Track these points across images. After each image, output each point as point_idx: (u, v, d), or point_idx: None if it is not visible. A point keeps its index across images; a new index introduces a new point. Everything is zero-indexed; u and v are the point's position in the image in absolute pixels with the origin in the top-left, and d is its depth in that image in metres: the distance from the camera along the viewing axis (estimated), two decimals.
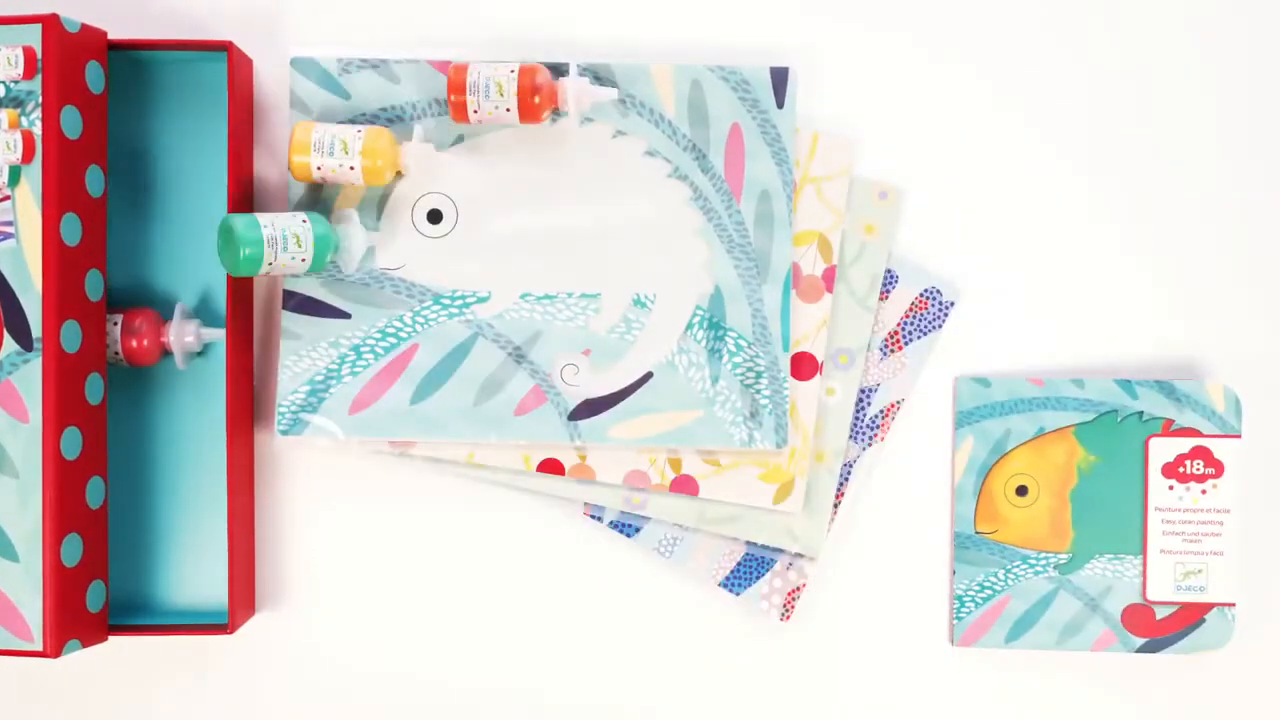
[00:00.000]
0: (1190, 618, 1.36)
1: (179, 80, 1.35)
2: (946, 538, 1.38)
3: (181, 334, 1.31)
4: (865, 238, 1.37)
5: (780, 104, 1.34)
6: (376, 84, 1.34)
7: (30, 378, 1.23)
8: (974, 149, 1.38)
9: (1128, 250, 1.38)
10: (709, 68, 1.34)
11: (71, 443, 1.25)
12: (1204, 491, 1.35)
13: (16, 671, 1.38)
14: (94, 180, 1.27)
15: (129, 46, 1.30)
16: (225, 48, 1.30)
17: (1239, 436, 1.35)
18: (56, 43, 1.22)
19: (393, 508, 1.37)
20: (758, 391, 1.33)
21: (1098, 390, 1.36)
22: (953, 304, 1.37)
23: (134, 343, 1.30)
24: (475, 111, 1.30)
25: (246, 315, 1.34)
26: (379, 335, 1.33)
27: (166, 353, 1.32)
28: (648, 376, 1.34)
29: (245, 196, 1.34)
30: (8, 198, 1.23)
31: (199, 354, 1.34)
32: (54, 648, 1.24)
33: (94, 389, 1.27)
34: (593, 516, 1.37)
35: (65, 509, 1.24)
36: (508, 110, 1.30)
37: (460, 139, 1.34)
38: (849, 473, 1.37)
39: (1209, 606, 1.35)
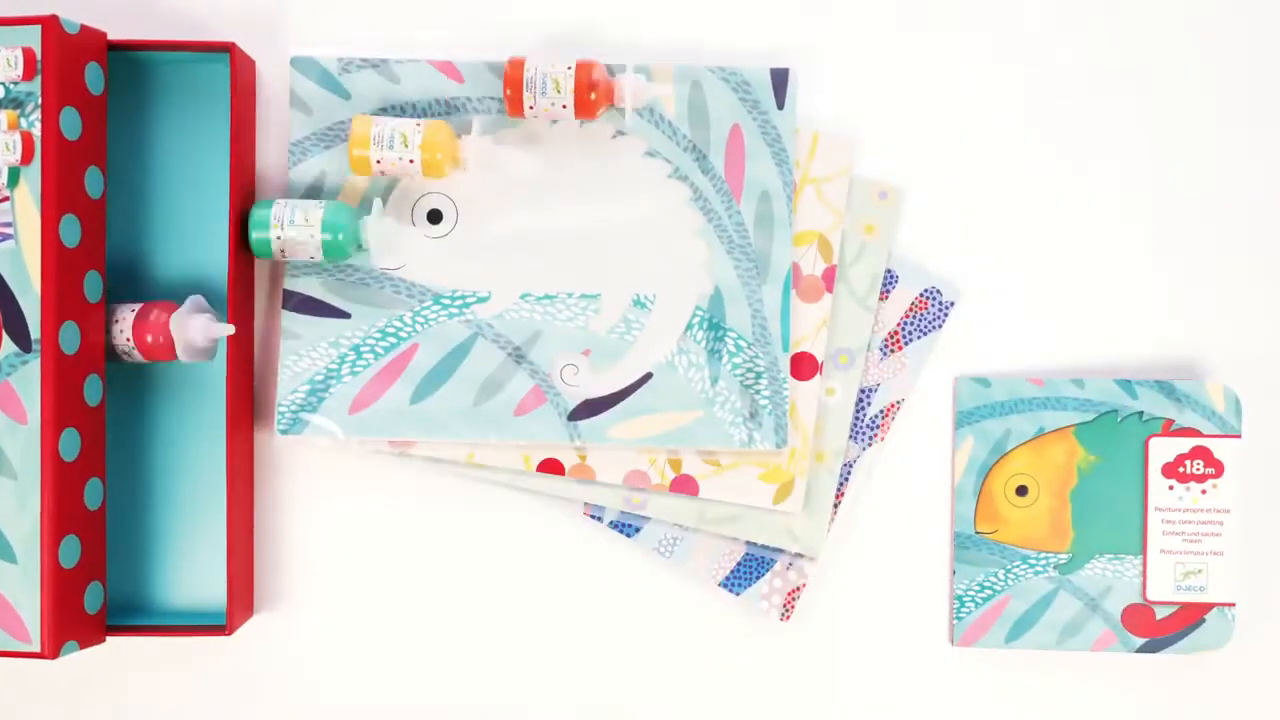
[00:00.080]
0: (1190, 618, 1.36)
1: (179, 81, 1.34)
2: (946, 538, 1.38)
3: (187, 326, 1.30)
4: (865, 238, 1.36)
5: (780, 105, 1.34)
6: (377, 84, 1.34)
7: (29, 379, 1.23)
8: (974, 149, 1.38)
9: (1127, 250, 1.38)
10: (709, 69, 1.34)
11: (70, 444, 1.24)
12: (1204, 491, 1.35)
13: (14, 672, 1.38)
14: (93, 181, 1.27)
15: (129, 47, 1.30)
16: (228, 49, 1.30)
17: (1239, 436, 1.35)
18: (56, 44, 1.22)
19: (392, 508, 1.37)
20: (757, 392, 1.33)
21: (1098, 390, 1.36)
22: (953, 304, 1.37)
23: (149, 338, 1.29)
24: (531, 107, 1.31)
25: (247, 315, 1.34)
26: (379, 335, 1.33)
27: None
28: (647, 377, 1.33)
29: (246, 198, 1.34)
30: (7, 199, 1.22)
31: (203, 348, 1.34)
32: (52, 649, 1.24)
33: (92, 390, 1.27)
34: (593, 516, 1.37)
35: (63, 510, 1.24)
36: (564, 107, 1.30)
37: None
38: (849, 473, 1.37)
39: (1209, 606, 1.35)
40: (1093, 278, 1.38)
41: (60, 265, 1.23)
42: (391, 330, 1.33)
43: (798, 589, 1.36)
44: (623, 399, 1.33)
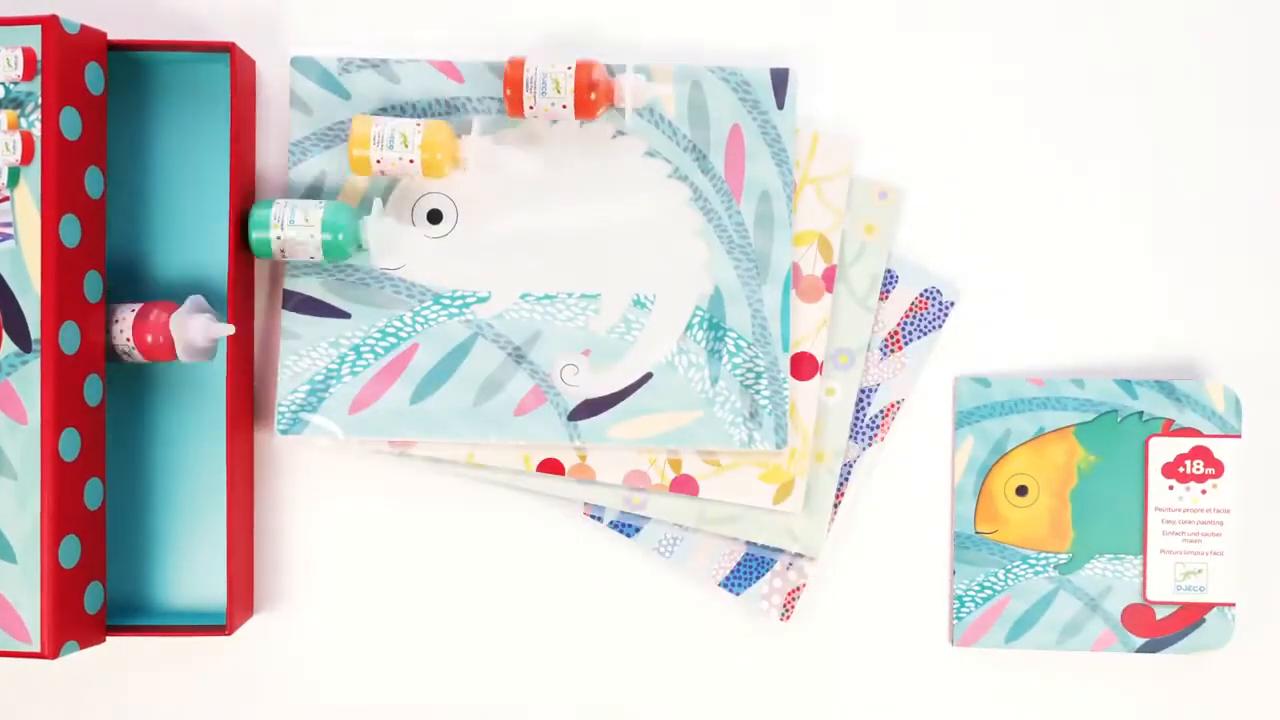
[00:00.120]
0: (1190, 618, 1.36)
1: (179, 81, 1.34)
2: (946, 538, 1.38)
3: (187, 326, 1.30)
4: (865, 238, 1.36)
5: (780, 105, 1.34)
6: (377, 84, 1.34)
7: (29, 379, 1.23)
8: (974, 149, 1.38)
9: (1127, 250, 1.38)
10: (709, 69, 1.34)
11: (70, 444, 1.24)
12: (1204, 491, 1.35)
13: (14, 672, 1.38)
14: (93, 181, 1.27)
15: (129, 47, 1.30)
16: (228, 49, 1.30)
17: (1239, 436, 1.35)
18: (56, 44, 1.22)
19: (392, 508, 1.37)
20: (757, 392, 1.33)
21: (1098, 390, 1.36)
22: (953, 304, 1.37)
23: (149, 337, 1.29)
24: (531, 107, 1.31)
25: (247, 315, 1.34)
26: (379, 335, 1.33)
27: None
28: (647, 377, 1.33)
29: (247, 197, 1.34)
30: (7, 199, 1.22)
31: (203, 348, 1.34)
32: (52, 649, 1.24)
33: (92, 390, 1.27)
34: (593, 516, 1.37)
35: (63, 510, 1.24)
36: (564, 106, 1.31)
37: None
38: (849, 473, 1.37)
39: (1209, 606, 1.35)
40: (1093, 278, 1.38)
41: (60, 265, 1.23)
42: (391, 330, 1.33)
43: (798, 589, 1.36)
44: (623, 399, 1.33)
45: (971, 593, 1.36)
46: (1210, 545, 1.35)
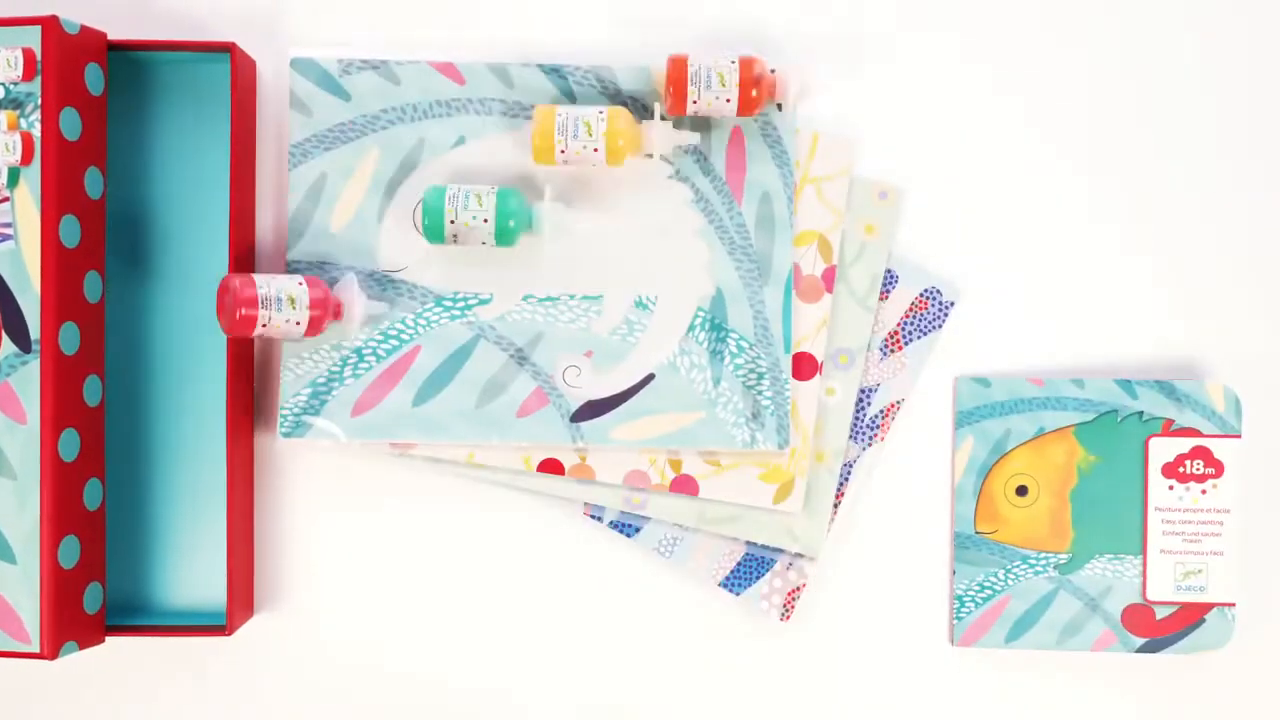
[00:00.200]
0: (1190, 618, 1.36)
1: (179, 81, 1.34)
2: (946, 538, 1.38)
3: (355, 302, 1.31)
4: (865, 238, 1.36)
5: (780, 106, 1.34)
6: (377, 84, 1.34)
7: (28, 379, 1.23)
8: (974, 149, 1.38)
9: (1128, 250, 1.38)
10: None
11: (69, 444, 1.24)
12: (1204, 491, 1.35)
13: (14, 673, 1.38)
14: (93, 182, 1.27)
15: (129, 47, 1.30)
16: (228, 49, 1.30)
17: (1239, 436, 1.35)
18: (56, 44, 1.22)
19: (392, 508, 1.37)
20: (759, 393, 1.33)
21: (1098, 390, 1.36)
22: (953, 304, 1.37)
23: (318, 311, 1.29)
24: (695, 101, 1.31)
25: None
26: (381, 337, 1.33)
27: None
28: (649, 378, 1.33)
29: (247, 198, 1.33)
30: (6, 199, 1.22)
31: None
32: (51, 649, 1.24)
33: (92, 390, 1.27)
34: (593, 516, 1.37)
35: (63, 510, 1.24)
36: (727, 101, 1.30)
37: (462, 140, 1.34)
38: (849, 473, 1.37)
39: (1209, 606, 1.36)
40: (1093, 278, 1.38)
41: (60, 265, 1.23)
42: (394, 333, 1.33)
43: (798, 589, 1.36)
44: (625, 400, 1.33)
45: (971, 593, 1.37)
46: (1210, 545, 1.35)
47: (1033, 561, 1.36)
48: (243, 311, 1.26)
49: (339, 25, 1.36)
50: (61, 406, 1.24)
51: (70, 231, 1.24)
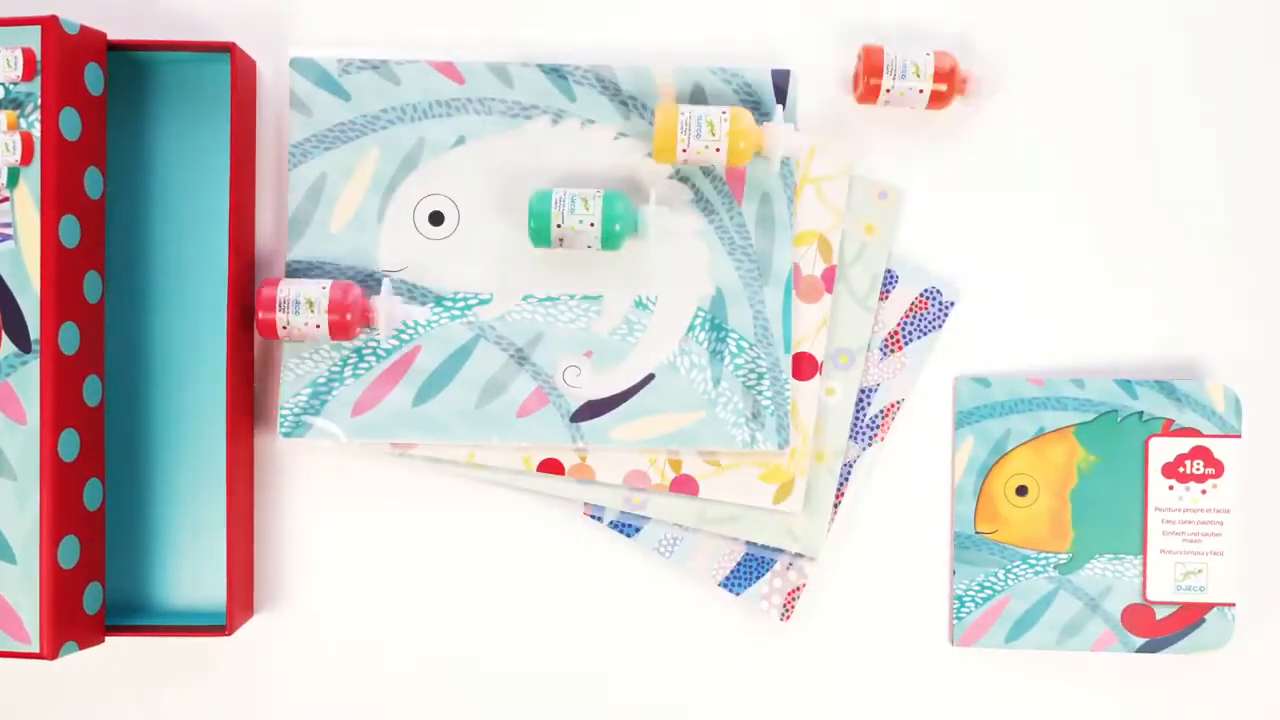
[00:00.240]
0: (1190, 618, 1.36)
1: (179, 81, 1.34)
2: (946, 538, 1.38)
3: (391, 307, 1.31)
4: (865, 238, 1.36)
5: (782, 106, 1.34)
6: (376, 84, 1.34)
7: (28, 379, 1.23)
8: (974, 149, 1.37)
9: (1128, 250, 1.38)
10: (711, 70, 1.34)
11: (69, 444, 1.24)
12: (1204, 491, 1.35)
13: (13, 673, 1.38)
14: (93, 182, 1.26)
15: (129, 47, 1.30)
16: (228, 49, 1.30)
17: (1239, 436, 1.36)
18: (56, 44, 1.22)
19: (391, 508, 1.37)
20: (759, 393, 1.33)
21: (1098, 390, 1.36)
22: (953, 304, 1.37)
23: (348, 315, 1.29)
24: (888, 90, 1.31)
25: (247, 316, 1.33)
26: (381, 337, 1.33)
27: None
28: (649, 378, 1.33)
29: (247, 198, 1.33)
30: (6, 199, 1.22)
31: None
32: (51, 649, 1.24)
33: (92, 391, 1.27)
34: (593, 516, 1.37)
35: (63, 511, 1.24)
36: (920, 92, 1.32)
37: (462, 140, 1.34)
38: (849, 473, 1.37)
39: (1209, 606, 1.36)
40: (1093, 278, 1.38)
41: (60, 265, 1.23)
42: (394, 332, 1.33)
43: (798, 589, 1.36)
44: (625, 400, 1.33)
45: (971, 593, 1.37)
46: (1210, 545, 1.35)
47: (1033, 561, 1.36)
48: (261, 315, 1.28)
49: (339, 25, 1.36)
50: (61, 406, 1.24)
51: (70, 231, 1.24)
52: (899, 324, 1.37)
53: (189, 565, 1.35)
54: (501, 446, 1.34)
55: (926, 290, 1.37)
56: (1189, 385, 1.36)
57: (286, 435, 1.33)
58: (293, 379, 1.33)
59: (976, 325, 1.38)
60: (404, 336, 1.33)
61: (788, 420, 1.33)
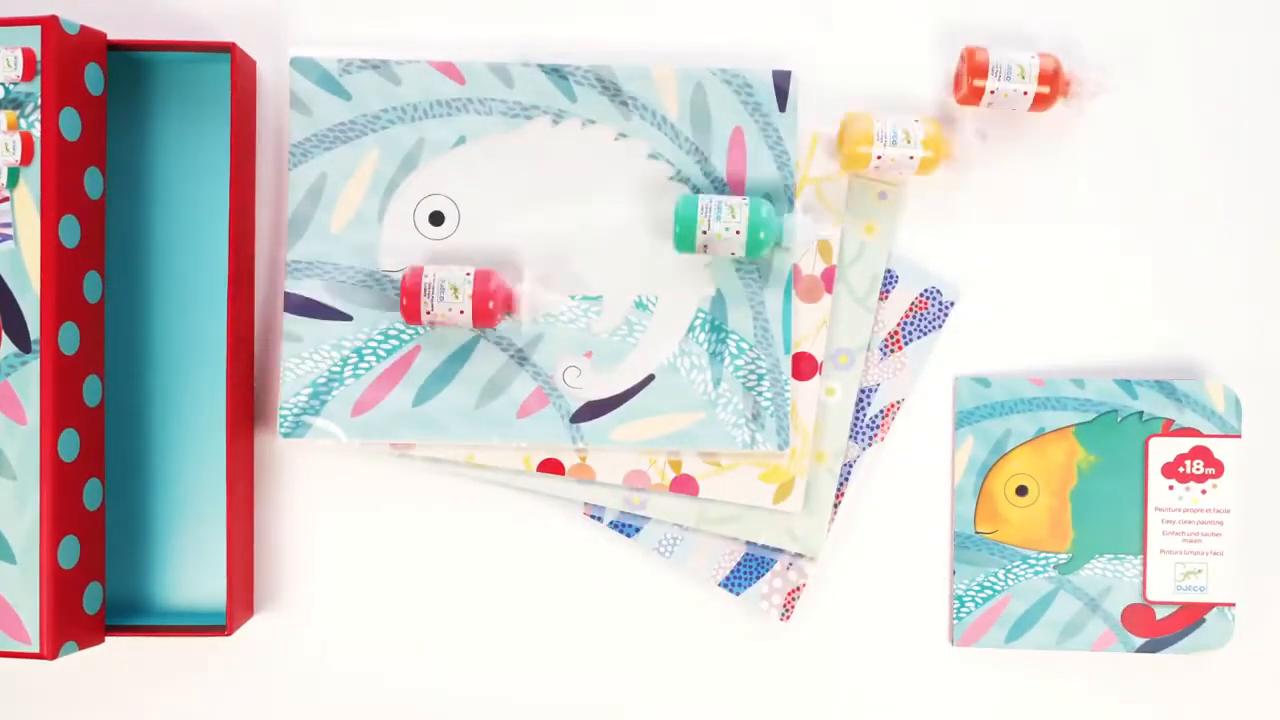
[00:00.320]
0: (1190, 618, 1.36)
1: (179, 81, 1.34)
2: (946, 538, 1.38)
3: (535, 295, 1.32)
4: (865, 238, 1.36)
5: (782, 107, 1.34)
6: (377, 84, 1.34)
7: (28, 379, 1.23)
8: (974, 149, 1.37)
9: (1128, 250, 1.38)
10: (712, 70, 1.34)
11: (69, 444, 1.24)
12: (1204, 491, 1.35)
13: (13, 673, 1.38)
14: (93, 182, 1.26)
15: (129, 47, 1.30)
16: (228, 49, 1.30)
17: (1239, 436, 1.36)
18: (55, 45, 1.22)
19: (391, 508, 1.37)
20: (759, 394, 1.33)
21: (1098, 390, 1.36)
22: (953, 304, 1.37)
23: (491, 303, 1.30)
24: (991, 93, 1.32)
25: (247, 316, 1.33)
26: (381, 337, 1.33)
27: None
28: (650, 379, 1.33)
29: (247, 198, 1.33)
30: (6, 199, 1.22)
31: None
32: (50, 649, 1.24)
33: (92, 391, 1.27)
34: (593, 516, 1.37)
35: (62, 511, 1.24)
36: (1024, 94, 1.32)
37: (462, 140, 1.34)
38: (849, 473, 1.37)
39: (1209, 606, 1.36)
40: (1093, 278, 1.38)
41: (60, 266, 1.23)
42: (394, 333, 1.33)
43: (798, 589, 1.36)
44: (625, 401, 1.33)
45: (971, 593, 1.37)
46: (1210, 545, 1.35)
47: (1033, 561, 1.36)
48: (405, 301, 1.29)
49: (339, 25, 1.36)
50: (61, 406, 1.24)
51: (70, 231, 1.24)
52: (899, 324, 1.37)
53: (189, 565, 1.35)
54: (501, 446, 1.34)
55: (926, 290, 1.37)
56: (1189, 385, 1.36)
57: (286, 435, 1.33)
58: (293, 379, 1.33)
59: (976, 325, 1.38)
60: (404, 336, 1.33)
61: (788, 421, 1.33)
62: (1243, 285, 1.38)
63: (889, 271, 1.37)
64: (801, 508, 1.35)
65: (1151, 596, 1.35)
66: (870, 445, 1.37)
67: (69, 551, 1.25)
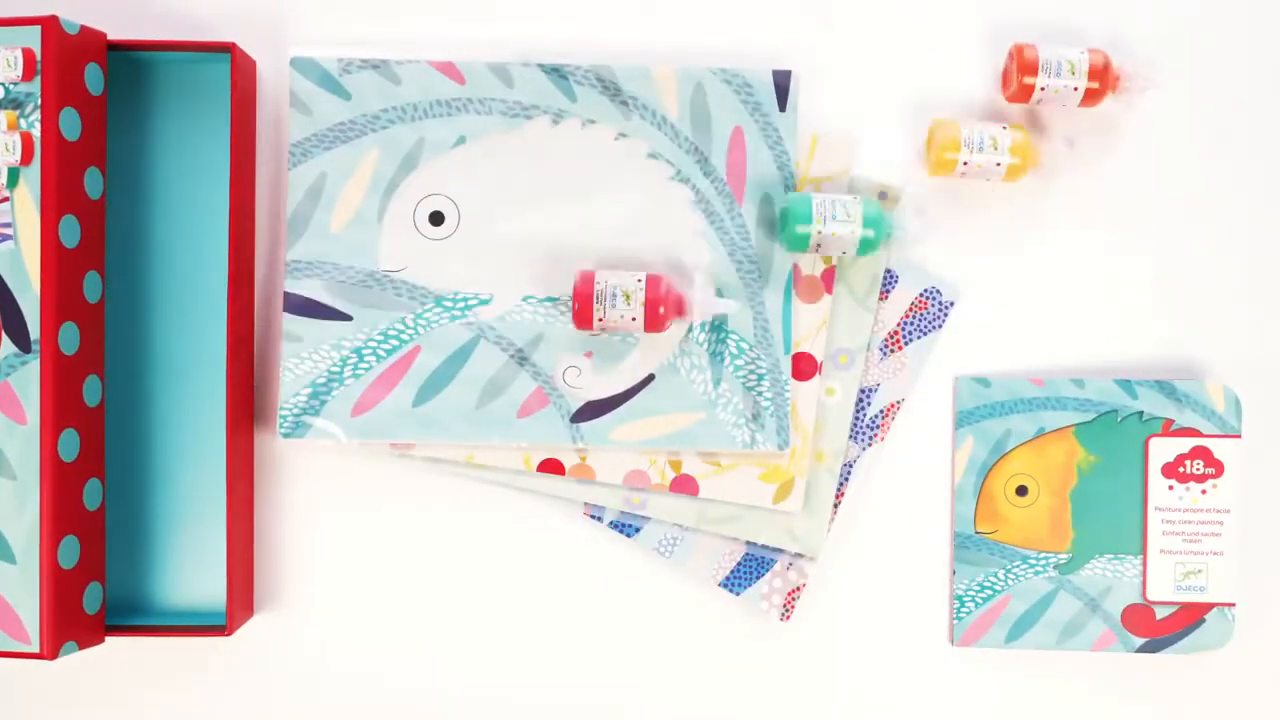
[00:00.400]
0: (1190, 618, 1.36)
1: (179, 81, 1.34)
2: (946, 538, 1.38)
3: (706, 300, 1.31)
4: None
5: (782, 107, 1.34)
6: (377, 84, 1.34)
7: (28, 379, 1.22)
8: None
9: (1127, 250, 1.38)
10: (712, 70, 1.34)
11: (69, 444, 1.24)
12: (1204, 491, 1.35)
13: (13, 673, 1.38)
14: (93, 182, 1.26)
15: (129, 47, 1.30)
16: (228, 49, 1.30)
17: (1239, 436, 1.36)
18: (55, 45, 1.22)
19: (391, 508, 1.37)
20: (759, 394, 1.33)
21: (1098, 390, 1.36)
22: (953, 304, 1.37)
23: (662, 308, 1.30)
24: (1042, 90, 1.33)
25: (247, 316, 1.33)
26: (381, 338, 1.33)
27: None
28: (650, 379, 1.33)
29: (247, 198, 1.33)
30: (6, 199, 1.22)
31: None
32: (50, 649, 1.24)
33: (92, 391, 1.27)
34: (593, 516, 1.37)
35: (62, 511, 1.24)
36: (1075, 90, 1.32)
37: (462, 140, 1.34)
38: (849, 473, 1.37)
39: (1209, 606, 1.36)
40: (1093, 278, 1.38)
41: (60, 266, 1.23)
42: (393, 333, 1.33)
43: (798, 589, 1.36)
44: (625, 401, 1.33)
45: (971, 593, 1.37)
46: (1210, 545, 1.35)
47: (1033, 561, 1.36)
48: (578, 306, 1.29)
49: (339, 25, 1.36)
50: (61, 406, 1.24)
51: (70, 231, 1.24)
52: (899, 324, 1.37)
53: (189, 565, 1.35)
54: (502, 447, 1.34)
55: (926, 290, 1.37)
56: (1189, 385, 1.36)
57: (286, 435, 1.33)
58: (292, 379, 1.33)
59: (976, 325, 1.38)
60: (404, 336, 1.33)
61: (788, 421, 1.33)
62: (1243, 285, 1.38)
63: (889, 271, 1.37)
64: (801, 508, 1.35)
65: (1151, 596, 1.35)
66: (870, 445, 1.37)
67: (69, 551, 1.25)
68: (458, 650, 1.38)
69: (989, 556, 1.36)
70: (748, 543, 1.36)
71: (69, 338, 1.24)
